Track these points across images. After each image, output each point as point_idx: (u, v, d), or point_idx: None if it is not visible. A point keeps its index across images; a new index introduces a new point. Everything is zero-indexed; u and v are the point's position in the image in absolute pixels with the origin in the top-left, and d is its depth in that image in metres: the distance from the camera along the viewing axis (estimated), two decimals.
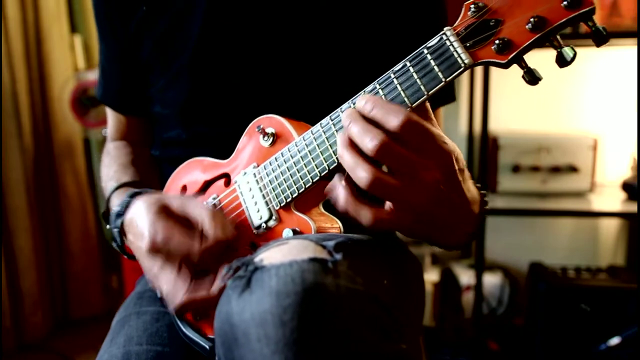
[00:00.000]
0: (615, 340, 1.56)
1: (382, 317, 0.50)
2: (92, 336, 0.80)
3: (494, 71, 1.62)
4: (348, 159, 0.51)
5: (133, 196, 0.68)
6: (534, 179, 1.76)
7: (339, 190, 0.54)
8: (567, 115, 1.96)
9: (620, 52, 1.86)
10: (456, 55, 0.51)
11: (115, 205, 0.72)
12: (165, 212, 0.62)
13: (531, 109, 1.98)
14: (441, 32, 0.52)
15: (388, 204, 0.53)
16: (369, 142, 0.49)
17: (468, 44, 0.51)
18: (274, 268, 0.46)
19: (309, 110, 0.64)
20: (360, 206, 0.53)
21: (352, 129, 0.51)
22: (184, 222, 0.61)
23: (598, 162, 1.79)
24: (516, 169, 1.76)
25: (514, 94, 1.96)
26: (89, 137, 2.16)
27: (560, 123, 1.96)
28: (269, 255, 0.49)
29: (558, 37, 0.50)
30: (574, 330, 1.60)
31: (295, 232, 0.61)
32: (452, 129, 2.04)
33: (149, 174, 0.85)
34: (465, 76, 1.99)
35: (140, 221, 0.62)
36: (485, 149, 1.64)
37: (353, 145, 0.51)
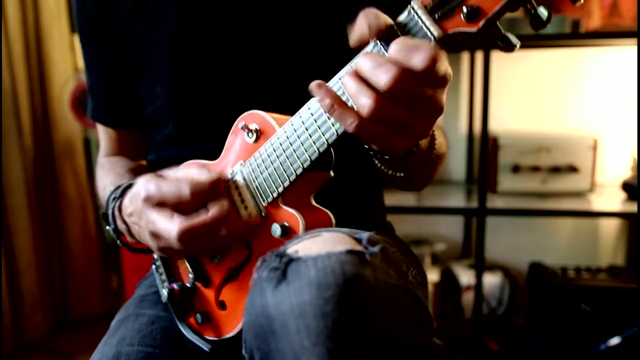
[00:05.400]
0: (615, 340, 1.56)
1: (416, 309, 0.50)
2: (92, 336, 0.80)
3: (494, 71, 1.62)
4: (351, 86, 0.49)
5: (130, 185, 0.69)
6: (534, 179, 1.76)
7: (317, 94, 0.51)
8: (567, 115, 1.96)
9: (620, 52, 1.87)
10: (425, 29, 0.49)
11: (112, 195, 0.73)
12: (159, 176, 0.63)
13: (531, 109, 1.98)
14: (408, 6, 0.50)
15: None
16: (382, 76, 0.46)
17: (437, 16, 0.49)
18: (310, 259, 0.46)
19: (293, 92, 0.62)
20: (346, 111, 0.50)
21: (363, 65, 0.48)
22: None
23: (598, 162, 1.79)
24: (516, 169, 1.76)
25: (514, 94, 1.96)
26: (89, 137, 2.16)
27: (560, 123, 1.96)
28: (304, 247, 0.49)
29: None
30: (574, 330, 1.60)
31: (283, 228, 0.60)
32: (452, 129, 2.04)
33: None
34: (465, 76, 1.99)
35: (136, 187, 0.64)
36: (485, 149, 1.64)
37: (359, 77, 0.49)
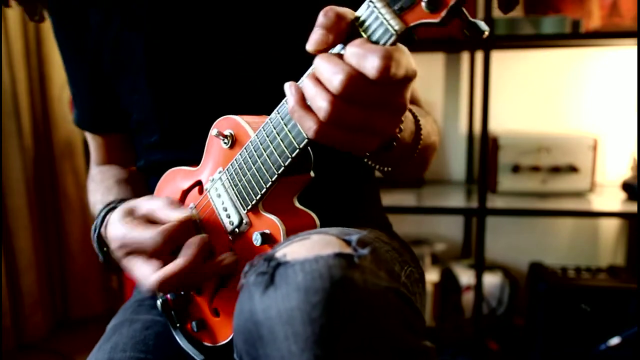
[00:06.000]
0: (615, 340, 1.56)
1: (407, 312, 0.49)
2: (92, 336, 0.80)
3: (494, 71, 1.62)
4: (309, 89, 0.47)
5: (109, 211, 0.70)
6: (534, 179, 1.76)
7: (287, 94, 0.50)
8: (567, 115, 1.96)
9: (620, 52, 1.86)
10: (385, 23, 0.46)
11: (95, 222, 0.74)
12: (130, 214, 0.64)
13: (531, 109, 1.98)
14: (367, 0, 0.47)
15: None
16: (334, 78, 0.45)
17: (397, 8, 0.46)
18: (298, 264, 0.45)
19: (272, 95, 0.61)
20: (305, 114, 0.48)
21: (319, 66, 0.47)
22: (147, 219, 0.63)
23: (598, 162, 1.79)
24: (516, 169, 1.76)
25: (514, 94, 1.96)
26: None
27: (560, 123, 1.96)
28: (292, 250, 0.48)
29: None
30: (574, 330, 1.60)
31: (264, 235, 0.58)
32: (452, 129, 2.04)
33: (135, 191, 0.84)
34: (465, 76, 1.99)
35: (111, 227, 0.65)
36: (485, 149, 1.64)
37: (317, 79, 0.47)
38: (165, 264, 0.60)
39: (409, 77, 0.46)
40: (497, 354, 1.81)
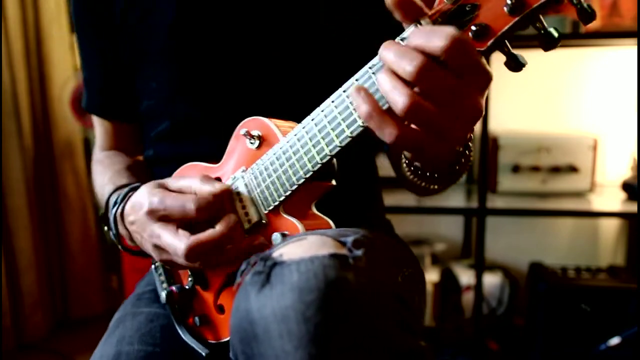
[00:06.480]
0: (615, 340, 1.56)
1: (402, 312, 0.50)
2: (92, 336, 0.80)
3: (494, 71, 1.61)
4: (384, 83, 0.48)
5: (132, 190, 0.70)
6: (534, 179, 1.76)
7: (359, 101, 0.49)
8: (567, 115, 1.96)
9: (620, 52, 1.86)
10: None
11: (112, 199, 0.73)
12: (162, 186, 0.65)
13: (531, 109, 1.98)
14: (415, 22, 0.49)
15: None
16: (407, 64, 0.45)
17: None
18: (294, 263, 0.46)
19: (293, 93, 0.62)
20: (385, 120, 0.49)
21: (386, 56, 0.47)
22: (181, 192, 0.64)
23: (598, 162, 1.79)
24: (516, 169, 1.76)
25: (514, 94, 1.96)
26: (89, 137, 2.16)
27: (560, 123, 1.96)
28: (288, 251, 0.49)
29: (541, 17, 0.46)
30: (574, 330, 1.61)
31: (284, 236, 0.60)
32: None
33: (142, 180, 0.83)
34: None
35: (139, 196, 0.65)
36: (485, 149, 1.64)
37: (393, 73, 0.47)
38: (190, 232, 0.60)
39: (479, 69, 0.47)
40: (497, 354, 1.81)
